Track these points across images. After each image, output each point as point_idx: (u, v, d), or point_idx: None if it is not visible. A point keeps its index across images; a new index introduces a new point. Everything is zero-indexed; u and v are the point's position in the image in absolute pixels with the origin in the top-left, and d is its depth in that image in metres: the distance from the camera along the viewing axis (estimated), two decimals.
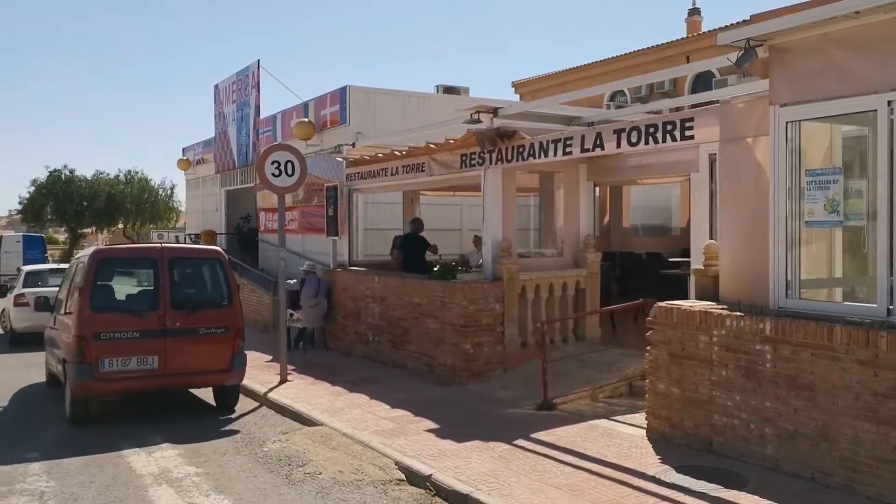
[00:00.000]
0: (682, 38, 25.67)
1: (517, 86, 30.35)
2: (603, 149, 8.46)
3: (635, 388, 8.87)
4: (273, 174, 10.27)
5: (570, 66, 31.18)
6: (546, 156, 9.22)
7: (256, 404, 9.47)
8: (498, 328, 10.00)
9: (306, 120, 17.49)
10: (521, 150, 9.65)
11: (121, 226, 63.98)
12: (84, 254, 10.29)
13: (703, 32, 23.94)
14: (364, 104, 16.52)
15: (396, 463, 6.62)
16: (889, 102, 5.47)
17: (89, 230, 62.21)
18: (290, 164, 10.37)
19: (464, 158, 10.70)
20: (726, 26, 21.21)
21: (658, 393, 6.93)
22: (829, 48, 5.90)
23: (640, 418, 7.59)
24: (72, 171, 62.97)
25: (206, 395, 9.72)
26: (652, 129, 7.82)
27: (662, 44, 27.20)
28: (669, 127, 7.63)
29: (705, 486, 5.65)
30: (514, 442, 7.03)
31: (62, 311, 9.21)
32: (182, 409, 9.32)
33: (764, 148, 6.48)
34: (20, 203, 59.54)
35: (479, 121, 9.87)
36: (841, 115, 5.95)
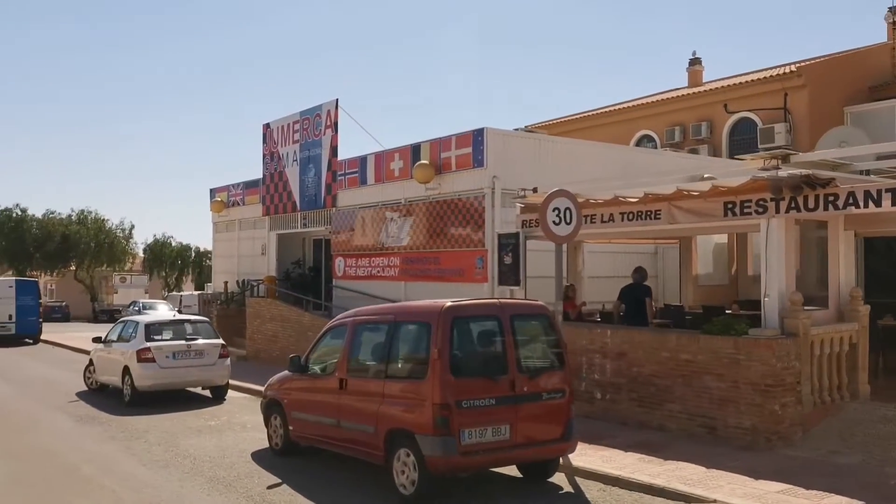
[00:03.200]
0: (722, 84, 26.14)
1: (532, 130, 30.33)
2: None
3: None
4: (553, 222, 9.47)
5: (588, 110, 31.43)
6: (879, 205, 8.79)
7: (559, 474, 8.49)
8: (797, 387, 9.41)
9: (426, 162, 16.68)
10: (832, 198, 9.20)
11: (73, 268, 60.55)
12: (351, 312, 9.21)
13: (746, 81, 24.52)
14: (500, 147, 15.87)
15: None
16: None
17: (37, 273, 58.56)
18: (568, 212, 9.61)
19: (729, 206, 10.18)
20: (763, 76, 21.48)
21: None
22: None
23: None
24: (23, 210, 59.56)
25: None
26: None
27: (694, 91, 27.71)
28: None
29: None
30: None
31: (371, 374, 8.12)
32: (480, 481, 8.24)
33: None
34: None
35: (777, 167, 9.41)
36: None
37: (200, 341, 14.33)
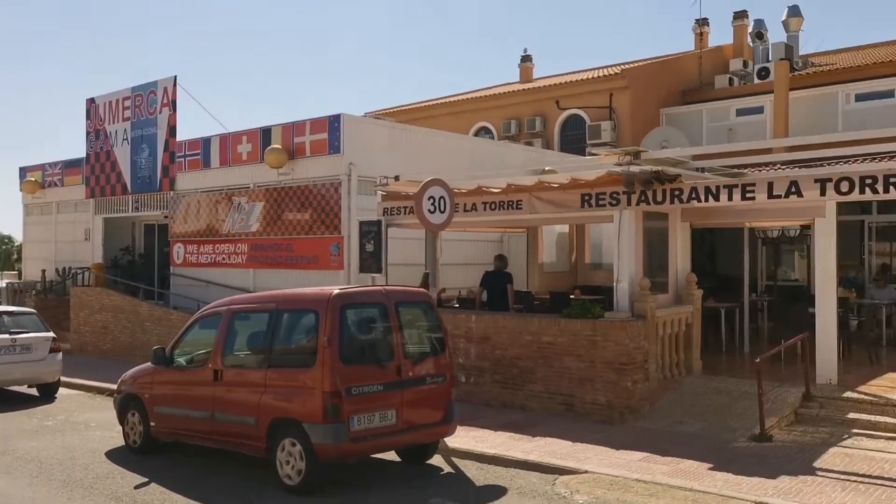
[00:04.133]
0: (555, 82, 27.62)
1: (378, 117, 30.47)
2: (800, 196, 9.22)
3: (800, 416, 9.63)
4: (429, 210, 9.61)
5: (428, 99, 32.01)
6: (717, 200, 9.76)
7: (437, 455, 8.70)
8: (645, 365, 10.25)
9: (279, 147, 16.28)
10: (677, 193, 10.08)
11: None
12: (226, 301, 8.84)
13: (576, 80, 26.17)
14: (356, 134, 15.82)
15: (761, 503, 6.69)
16: None
17: None
18: (442, 200, 9.79)
19: (586, 198, 10.86)
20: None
21: None
22: None
23: (876, 444, 8.41)
24: None
25: None
26: (870, 181, 8.74)
27: (529, 87, 29.07)
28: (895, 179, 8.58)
29: None
30: (822, 475, 7.45)
31: (251, 364, 7.86)
32: (363, 467, 8.25)
33: None
34: None
35: (631, 163, 10.14)
36: None
37: (27, 335, 13.08)
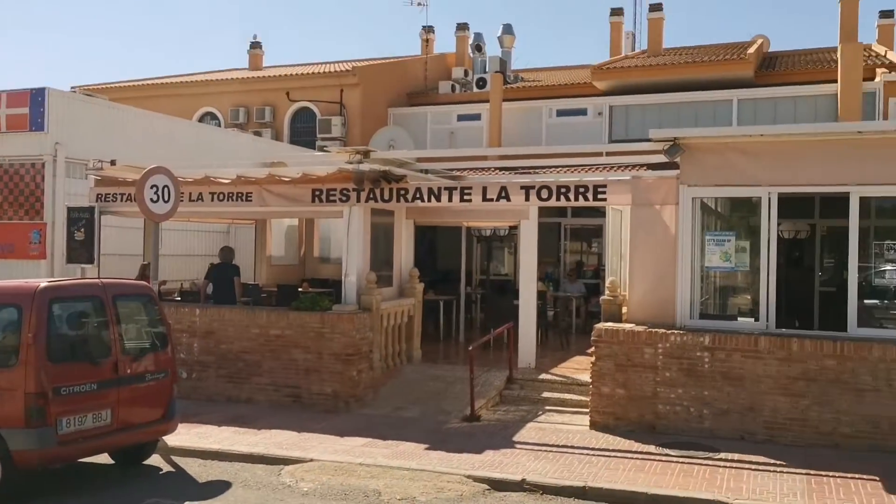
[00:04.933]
0: (286, 73, 27.57)
1: (83, 92, 28.11)
2: (509, 200, 10.25)
3: (504, 397, 10.74)
4: (151, 199, 9.09)
5: (147, 78, 30.06)
6: (438, 201, 10.51)
7: (154, 455, 8.36)
8: (370, 355, 10.72)
9: None
10: (403, 192, 10.67)
11: None
12: None
13: (307, 73, 26.40)
14: (65, 111, 14.43)
15: (469, 476, 7.40)
16: (769, 192, 8.79)
17: None
18: (166, 189, 9.31)
19: (317, 193, 11.08)
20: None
21: (603, 395, 9.10)
22: (728, 151, 8.99)
23: (562, 418, 9.67)
24: None
25: None
26: (564, 190, 9.98)
27: (259, 75, 28.68)
28: (583, 190, 9.89)
29: (694, 452, 8.09)
30: (519, 447, 8.41)
31: None
32: (71, 473, 7.66)
33: (670, 212, 9.27)
34: None
35: (361, 161, 10.52)
36: (734, 196, 9.14)
37: None
